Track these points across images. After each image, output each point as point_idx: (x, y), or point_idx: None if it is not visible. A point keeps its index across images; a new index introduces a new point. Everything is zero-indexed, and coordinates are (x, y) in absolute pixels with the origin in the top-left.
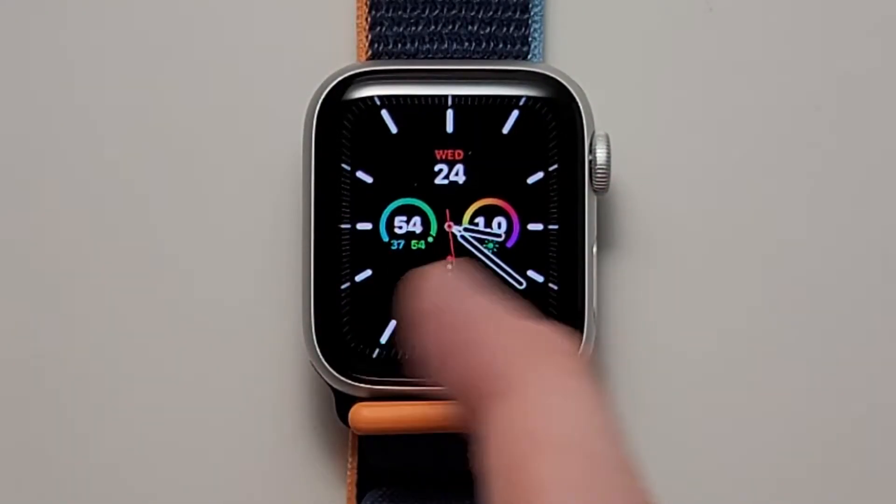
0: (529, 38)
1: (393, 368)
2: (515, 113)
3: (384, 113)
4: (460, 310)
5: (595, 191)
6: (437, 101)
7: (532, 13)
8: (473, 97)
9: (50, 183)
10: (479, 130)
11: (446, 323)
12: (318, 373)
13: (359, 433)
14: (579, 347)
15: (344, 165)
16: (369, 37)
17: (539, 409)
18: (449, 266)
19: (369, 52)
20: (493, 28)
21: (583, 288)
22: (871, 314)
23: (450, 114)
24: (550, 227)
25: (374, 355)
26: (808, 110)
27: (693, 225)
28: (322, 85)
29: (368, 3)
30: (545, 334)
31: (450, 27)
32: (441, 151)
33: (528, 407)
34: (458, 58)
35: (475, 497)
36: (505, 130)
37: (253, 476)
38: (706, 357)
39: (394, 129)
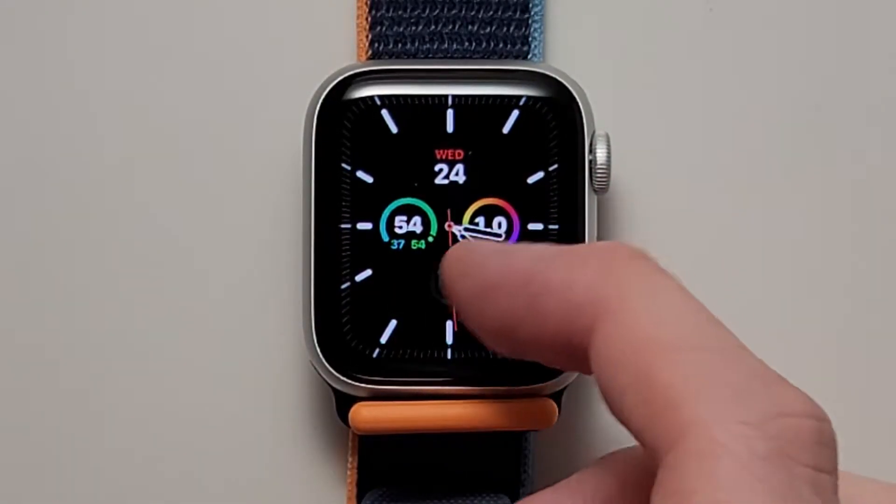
0: (529, 38)
1: (393, 368)
2: (515, 113)
3: (384, 113)
4: (514, 269)
5: (595, 191)
6: (437, 100)
7: (532, 13)
8: (473, 97)
9: (47, 184)
10: (480, 130)
11: (511, 287)
12: (318, 373)
13: (359, 433)
14: None
15: (344, 165)
16: (369, 37)
17: (648, 315)
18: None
19: (369, 52)
20: (494, 28)
21: None
22: (871, 314)
23: (450, 113)
24: (550, 226)
25: (374, 355)
26: (808, 110)
27: (693, 225)
28: (322, 85)
29: (368, 3)
30: (603, 248)
31: (450, 27)
32: (441, 151)
33: (636, 317)
34: (458, 57)
35: (474, 497)
36: (505, 130)
37: (253, 476)
38: None
39: (394, 129)
